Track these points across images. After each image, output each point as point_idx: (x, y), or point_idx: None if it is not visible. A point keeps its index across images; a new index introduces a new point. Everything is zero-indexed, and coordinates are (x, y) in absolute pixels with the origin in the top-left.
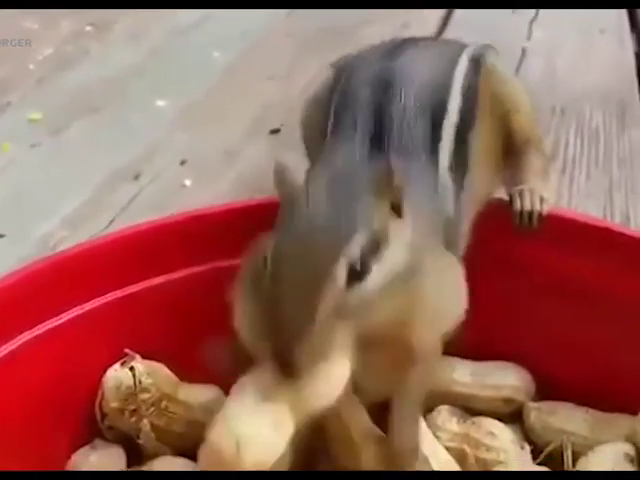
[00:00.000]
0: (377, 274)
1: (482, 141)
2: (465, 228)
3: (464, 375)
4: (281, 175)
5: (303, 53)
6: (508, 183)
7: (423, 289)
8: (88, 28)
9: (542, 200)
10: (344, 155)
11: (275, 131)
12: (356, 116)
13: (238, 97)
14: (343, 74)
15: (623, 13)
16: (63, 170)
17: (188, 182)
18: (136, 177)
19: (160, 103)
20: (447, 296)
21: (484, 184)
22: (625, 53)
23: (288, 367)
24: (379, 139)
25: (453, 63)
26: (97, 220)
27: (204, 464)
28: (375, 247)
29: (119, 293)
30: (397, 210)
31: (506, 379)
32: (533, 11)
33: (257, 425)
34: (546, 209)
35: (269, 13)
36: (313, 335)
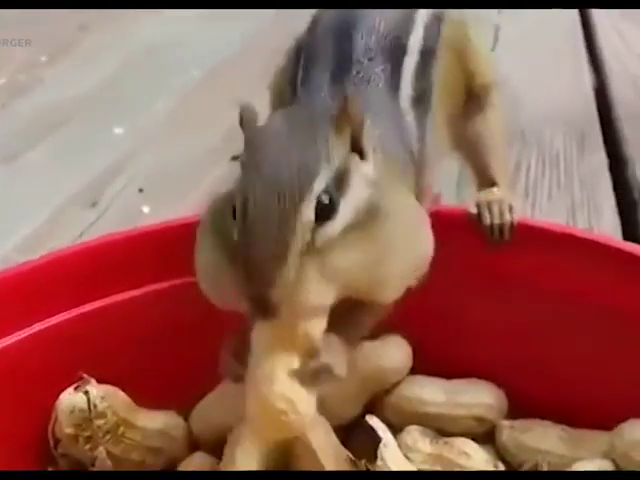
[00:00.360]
0: (345, 209)
1: (442, 81)
2: (427, 170)
3: (435, 394)
4: (245, 116)
5: None
6: (475, 179)
7: (388, 232)
8: (43, 58)
9: (511, 209)
10: (306, 98)
11: (236, 158)
12: (322, 65)
13: (199, 123)
14: (308, 31)
15: (580, 40)
16: (18, 197)
17: (146, 209)
18: (93, 204)
19: (117, 130)
20: (412, 239)
21: (444, 125)
22: (584, 80)
23: (266, 309)
24: (342, 82)
25: (414, 11)
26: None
27: (264, 433)
28: (339, 184)
29: (76, 311)
30: (358, 146)
31: (478, 397)
32: (491, 37)
33: (290, 386)
34: (516, 218)
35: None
36: (287, 273)
